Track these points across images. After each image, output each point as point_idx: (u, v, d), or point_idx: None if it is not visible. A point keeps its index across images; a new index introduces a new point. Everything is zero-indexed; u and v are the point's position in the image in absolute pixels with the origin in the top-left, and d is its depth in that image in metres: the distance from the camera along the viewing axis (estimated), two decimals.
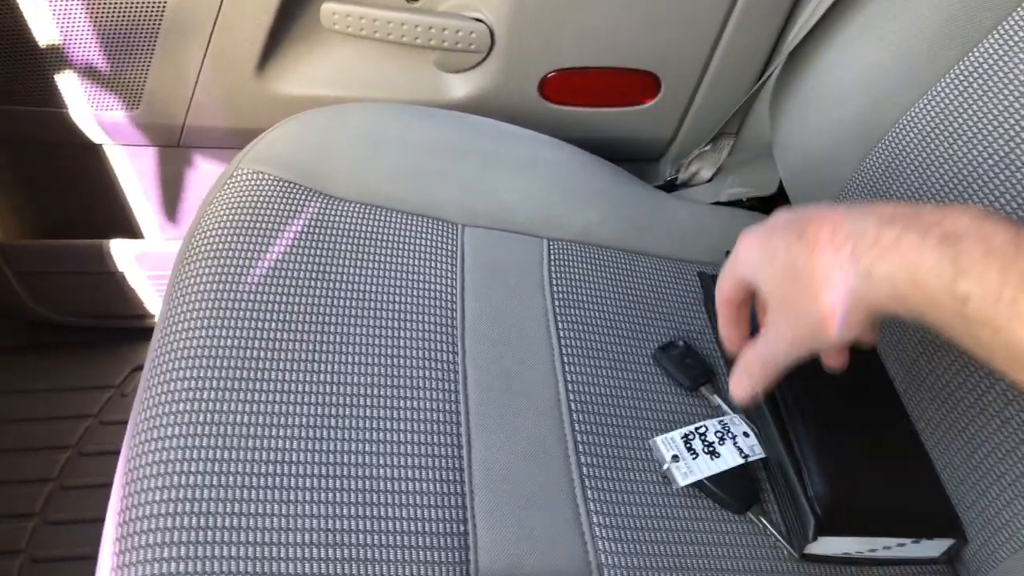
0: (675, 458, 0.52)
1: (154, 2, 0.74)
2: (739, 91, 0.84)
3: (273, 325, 0.53)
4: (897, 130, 0.60)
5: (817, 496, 0.49)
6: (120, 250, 0.87)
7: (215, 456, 0.46)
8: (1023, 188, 0.50)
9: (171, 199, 0.89)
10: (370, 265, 0.59)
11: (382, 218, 0.63)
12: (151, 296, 0.92)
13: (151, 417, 0.48)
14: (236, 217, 0.60)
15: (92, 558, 0.78)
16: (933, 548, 0.52)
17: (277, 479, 0.46)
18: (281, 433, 0.48)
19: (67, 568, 0.77)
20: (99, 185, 0.88)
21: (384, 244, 0.61)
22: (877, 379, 0.59)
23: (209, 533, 0.43)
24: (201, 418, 0.48)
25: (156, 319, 0.94)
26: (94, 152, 0.85)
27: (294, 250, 0.59)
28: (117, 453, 0.86)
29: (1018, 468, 0.47)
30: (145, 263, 0.88)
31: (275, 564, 0.43)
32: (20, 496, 0.81)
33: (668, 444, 0.53)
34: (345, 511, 0.45)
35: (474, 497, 0.48)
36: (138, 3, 0.74)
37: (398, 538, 0.45)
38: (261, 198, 0.62)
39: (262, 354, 0.52)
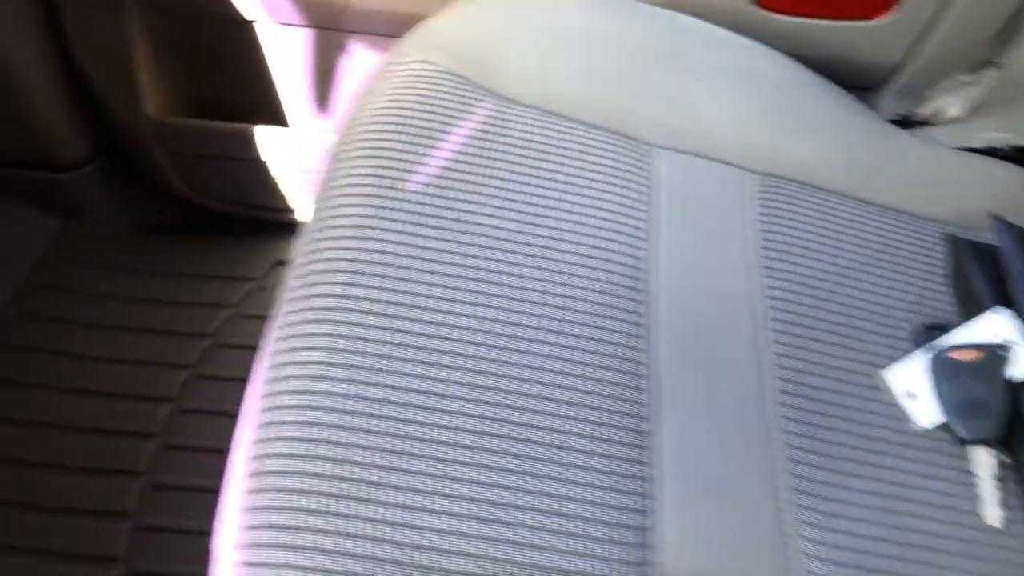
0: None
1: None
2: (1002, 8, 0.67)
3: (432, 241, 0.46)
4: None
5: None
6: (266, 137, 0.82)
7: (357, 392, 0.39)
8: None
9: (324, 86, 0.82)
10: (545, 184, 0.50)
11: (560, 129, 0.53)
12: (296, 189, 0.87)
13: (292, 336, 0.42)
14: (398, 111, 0.52)
15: (223, 451, 0.77)
16: None
17: (426, 429, 0.39)
18: (434, 373, 0.41)
19: (199, 459, 0.76)
20: (250, 66, 0.82)
21: (562, 160, 0.51)
22: None
23: (346, 486, 0.37)
24: (346, 344, 0.41)
25: (299, 214, 0.91)
26: (248, 29, 0.79)
27: (461, 156, 0.50)
28: (254, 348, 0.84)
29: None
30: (293, 153, 0.83)
31: (420, 535, 0.36)
32: (158, 380, 0.80)
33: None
34: (502, 479, 0.38)
35: (663, 484, 0.39)
36: None
37: (563, 522, 0.38)
38: (427, 92, 0.53)
39: (416, 275, 0.44)
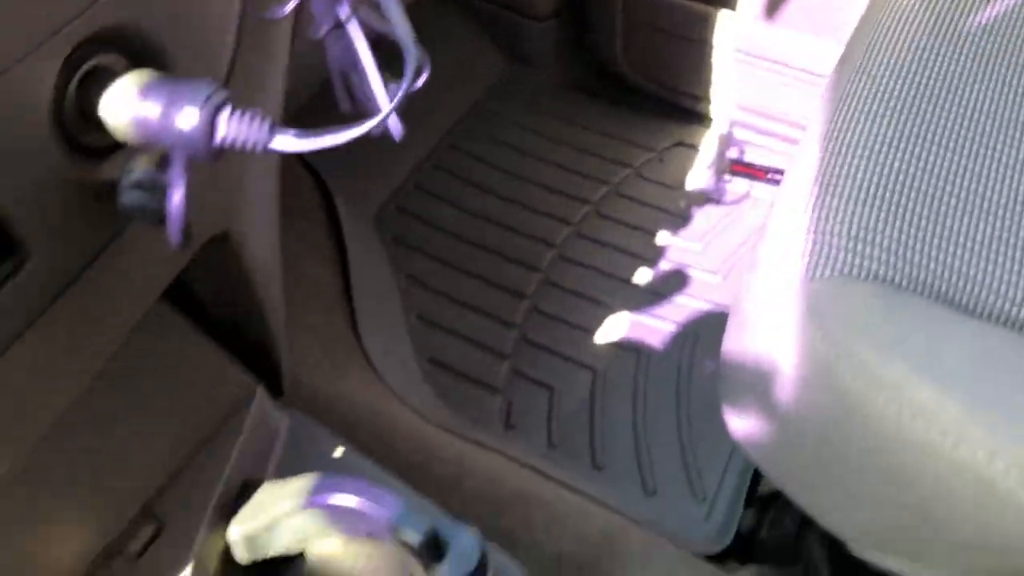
0: None
1: None
2: None
3: (976, 72, 0.50)
4: None
5: None
6: (726, 23, 0.90)
7: (915, 150, 0.45)
8: None
9: None
10: None
11: None
12: (723, 78, 0.94)
13: (857, 110, 0.48)
14: None
15: (605, 273, 0.87)
16: None
17: (969, 196, 0.44)
18: (971, 164, 0.45)
19: (583, 273, 0.86)
20: None
21: None
22: None
23: (915, 209, 0.42)
24: (907, 104, 0.47)
25: (713, 107, 0.98)
26: None
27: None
28: (646, 204, 0.93)
29: None
30: (741, 42, 0.90)
31: (971, 281, 0.41)
32: (561, 205, 0.92)
33: None
34: None
35: None
36: None
37: None
38: None
39: (960, 91, 0.49)
